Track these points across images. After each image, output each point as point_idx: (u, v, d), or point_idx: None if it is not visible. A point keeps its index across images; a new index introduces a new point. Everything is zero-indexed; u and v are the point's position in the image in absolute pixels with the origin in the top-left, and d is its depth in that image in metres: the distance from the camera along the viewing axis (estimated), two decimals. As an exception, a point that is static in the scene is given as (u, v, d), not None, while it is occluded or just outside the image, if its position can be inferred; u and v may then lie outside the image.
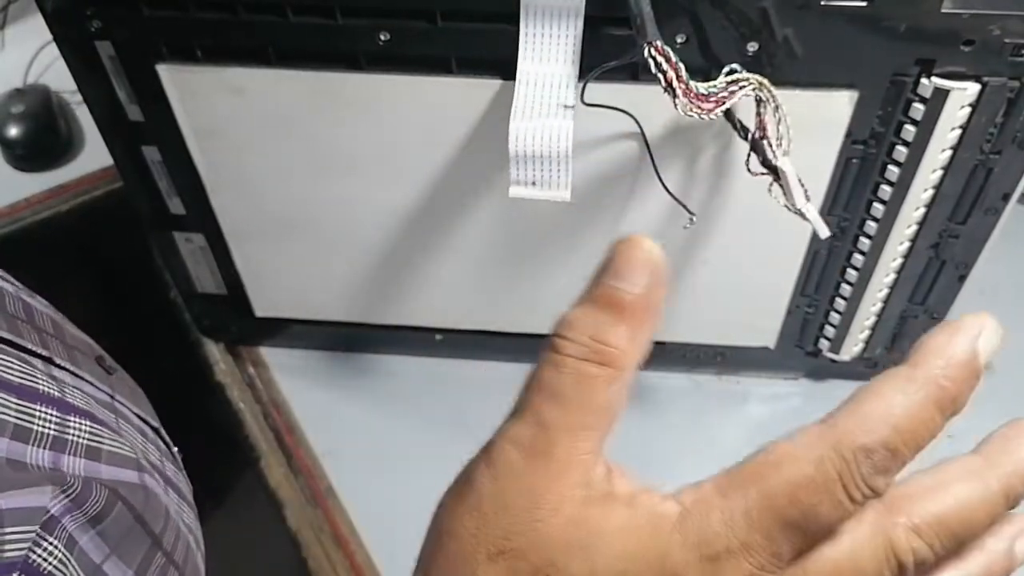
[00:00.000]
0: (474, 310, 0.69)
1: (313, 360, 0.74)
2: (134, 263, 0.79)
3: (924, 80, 0.48)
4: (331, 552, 0.65)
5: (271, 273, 0.67)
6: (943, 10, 0.45)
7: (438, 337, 0.72)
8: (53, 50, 0.53)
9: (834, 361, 0.68)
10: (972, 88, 0.48)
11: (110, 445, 0.38)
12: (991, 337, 0.26)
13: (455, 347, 0.72)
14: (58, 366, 0.39)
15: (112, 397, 0.43)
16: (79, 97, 0.56)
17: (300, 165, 0.58)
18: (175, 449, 0.48)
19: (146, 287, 0.75)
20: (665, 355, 0.71)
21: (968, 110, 0.49)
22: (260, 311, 0.70)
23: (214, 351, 0.75)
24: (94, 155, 0.90)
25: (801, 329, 0.67)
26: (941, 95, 0.48)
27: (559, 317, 0.27)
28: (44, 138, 0.88)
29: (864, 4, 0.46)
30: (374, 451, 0.70)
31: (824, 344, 0.67)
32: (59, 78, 0.92)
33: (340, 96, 0.53)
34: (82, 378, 0.40)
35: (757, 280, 0.62)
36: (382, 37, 0.50)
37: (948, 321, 0.26)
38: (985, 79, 0.48)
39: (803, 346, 0.68)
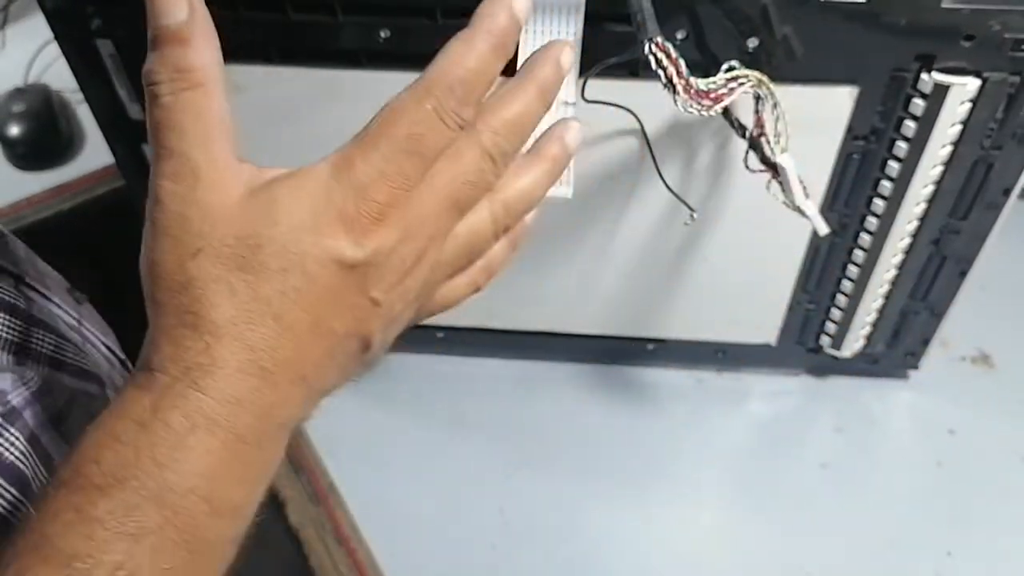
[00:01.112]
0: (474, 307, 0.68)
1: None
2: (137, 262, 0.79)
3: (924, 75, 0.48)
4: (333, 550, 0.65)
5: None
6: (943, 5, 0.45)
7: (439, 334, 0.72)
8: (54, 49, 0.53)
9: (835, 358, 0.68)
10: (972, 83, 0.48)
11: (73, 359, 0.39)
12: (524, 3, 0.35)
13: (456, 344, 0.72)
14: (27, 284, 0.39)
15: (80, 323, 0.43)
16: (80, 96, 0.56)
17: (299, 161, 0.57)
18: None
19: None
20: (666, 352, 0.71)
21: (968, 105, 0.49)
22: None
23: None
24: (95, 153, 0.90)
25: (802, 325, 0.67)
26: (941, 90, 0.48)
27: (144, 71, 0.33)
28: (45, 137, 0.88)
29: (863, 0, 0.46)
30: (375, 448, 0.70)
31: (825, 340, 0.67)
32: (60, 77, 0.92)
33: (341, 93, 0.53)
34: (51, 300, 0.41)
35: (757, 277, 0.62)
36: (383, 34, 0.50)
37: None
38: (985, 74, 0.48)
39: (804, 343, 0.68)
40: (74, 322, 0.44)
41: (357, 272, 0.32)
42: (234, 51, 0.51)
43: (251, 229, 0.32)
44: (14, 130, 0.87)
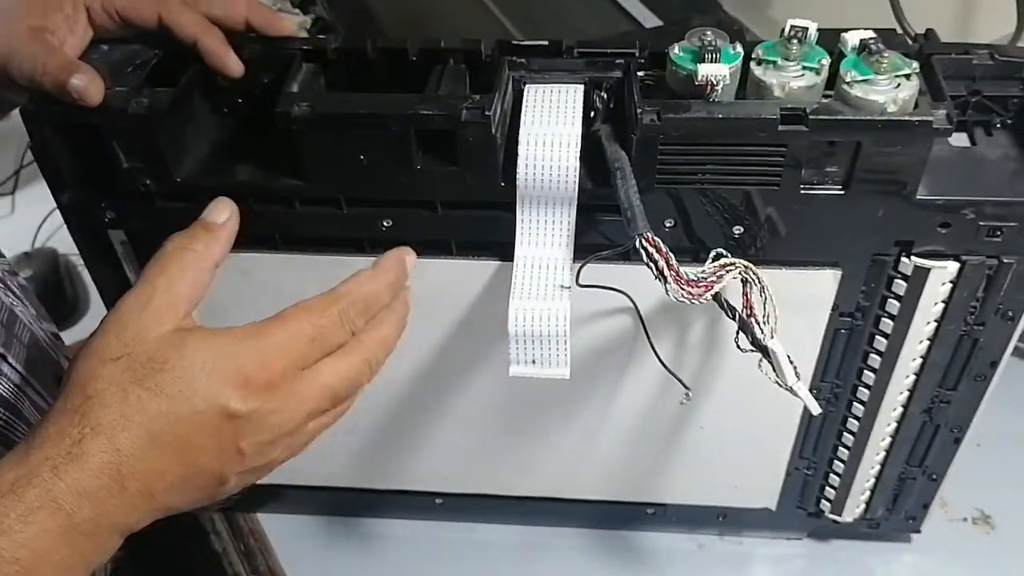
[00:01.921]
0: (474, 474, 0.69)
1: (312, 525, 0.74)
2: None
3: (904, 259, 0.51)
4: None
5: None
6: (918, 196, 0.48)
7: (438, 501, 0.71)
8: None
9: (836, 522, 0.68)
10: (951, 266, 0.50)
11: None
12: (414, 259, 0.50)
13: (456, 510, 0.72)
14: None
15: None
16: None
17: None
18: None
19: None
20: (666, 516, 0.70)
21: (949, 286, 0.51)
22: (260, 479, 0.70)
23: (211, 519, 0.74)
24: (99, 316, 0.91)
25: (802, 490, 0.67)
26: (922, 273, 0.50)
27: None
28: (51, 301, 0.90)
29: (841, 192, 0.48)
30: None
31: (825, 505, 0.67)
32: (67, 241, 0.94)
33: (343, 275, 0.54)
34: None
35: (754, 443, 0.63)
36: (385, 223, 0.52)
37: (397, 250, 0.49)
38: (964, 258, 0.50)
39: (805, 507, 0.68)
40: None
41: (234, 423, 0.39)
42: (242, 240, 0.53)
43: (162, 355, 0.39)
44: (21, 295, 0.89)
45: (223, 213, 0.46)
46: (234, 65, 0.50)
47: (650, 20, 0.98)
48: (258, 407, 0.39)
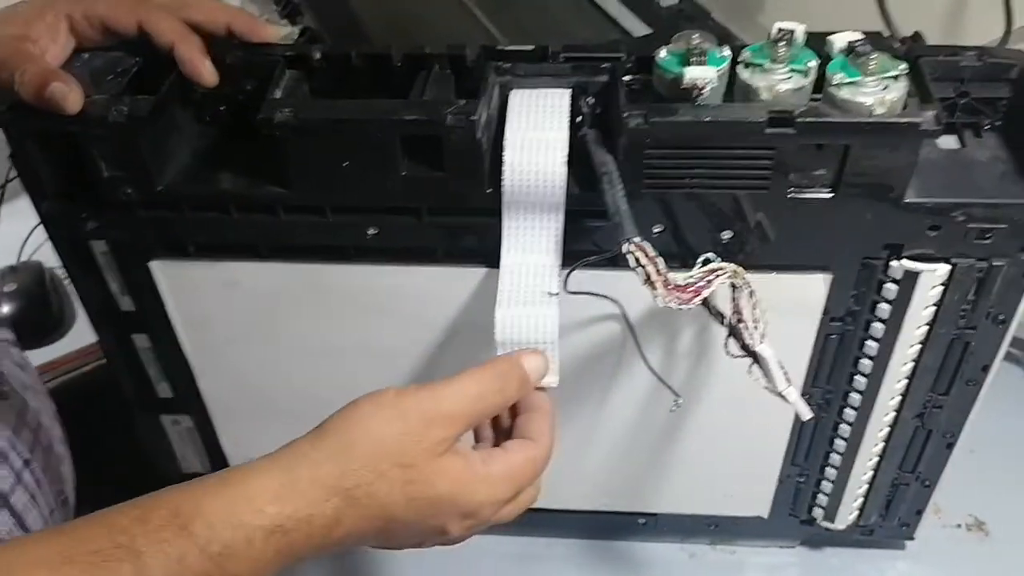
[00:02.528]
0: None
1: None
2: (122, 440, 0.78)
3: (894, 263, 0.50)
4: None
5: (258, 454, 0.66)
6: (906, 199, 0.47)
7: (427, 513, 0.70)
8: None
9: (829, 529, 0.67)
10: (942, 269, 0.50)
11: None
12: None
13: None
14: None
15: None
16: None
17: (289, 350, 0.58)
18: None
19: (134, 465, 0.75)
20: (658, 526, 0.70)
21: (940, 289, 0.51)
22: (247, 492, 0.69)
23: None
24: (85, 329, 0.90)
25: (794, 498, 0.66)
26: (912, 276, 0.50)
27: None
28: (36, 315, 0.89)
29: (829, 195, 0.48)
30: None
31: (818, 513, 0.67)
32: (53, 254, 0.94)
33: (329, 286, 0.54)
34: None
35: (746, 451, 0.62)
36: (370, 231, 0.51)
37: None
38: (954, 260, 0.49)
39: (797, 515, 0.68)
40: None
41: (441, 537, 0.44)
42: (226, 249, 0.53)
43: (429, 472, 0.42)
44: (5, 308, 0.88)
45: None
46: (208, 74, 0.50)
47: (639, 29, 0.98)
48: (465, 533, 0.44)
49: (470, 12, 1.03)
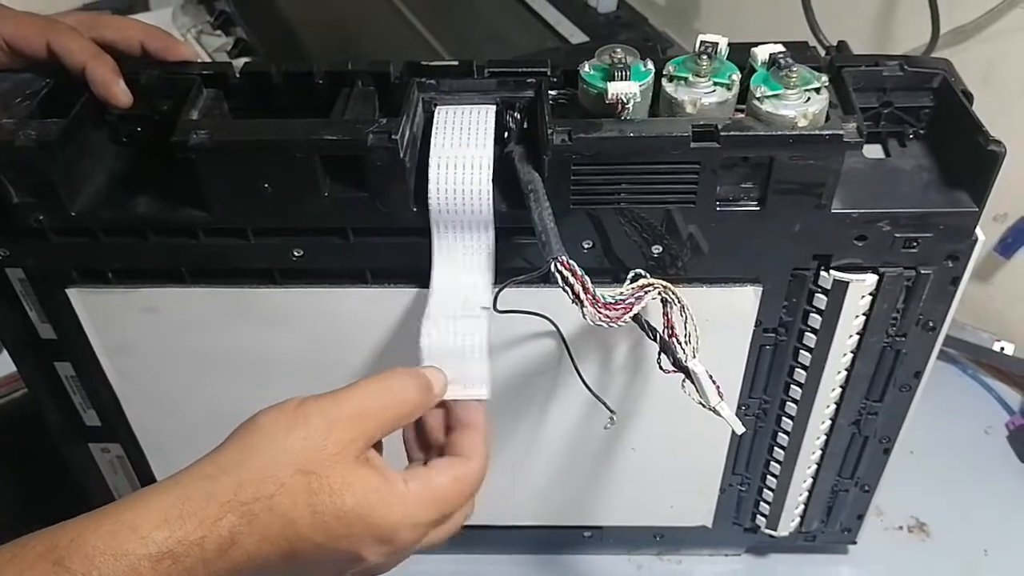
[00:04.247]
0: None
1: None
2: (52, 472, 0.76)
3: (823, 273, 0.50)
4: None
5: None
6: (832, 210, 0.47)
7: (370, 534, 0.69)
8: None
9: (773, 536, 0.68)
10: (870, 279, 0.50)
11: None
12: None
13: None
14: None
15: None
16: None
17: (216, 374, 0.57)
18: None
19: (65, 499, 0.72)
20: (603, 538, 0.69)
21: (869, 298, 0.51)
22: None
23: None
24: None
25: (736, 507, 0.66)
26: (841, 286, 0.50)
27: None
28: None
29: (757, 208, 0.47)
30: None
31: (761, 520, 0.67)
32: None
33: (255, 309, 0.53)
34: None
35: (686, 462, 0.62)
36: (295, 253, 0.50)
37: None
38: (881, 270, 0.50)
39: (741, 523, 0.68)
40: None
41: (359, 564, 0.40)
42: (144, 275, 0.51)
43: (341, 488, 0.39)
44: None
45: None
46: (120, 95, 0.48)
47: (577, 36, 0.98)
48: (383, 561, 0.40)
49: (408, 22, 1.02)
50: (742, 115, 0.46)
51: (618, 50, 0.47)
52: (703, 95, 0.46)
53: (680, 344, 0.48)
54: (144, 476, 0.64)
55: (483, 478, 0.44)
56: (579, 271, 0.44)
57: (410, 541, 0.40)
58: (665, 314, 0.48)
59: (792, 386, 0.57)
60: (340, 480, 0.38)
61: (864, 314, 0.52)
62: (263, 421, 0.39)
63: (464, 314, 0.48)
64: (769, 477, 0.63)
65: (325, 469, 0.38)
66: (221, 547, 0.36)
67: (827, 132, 0.44)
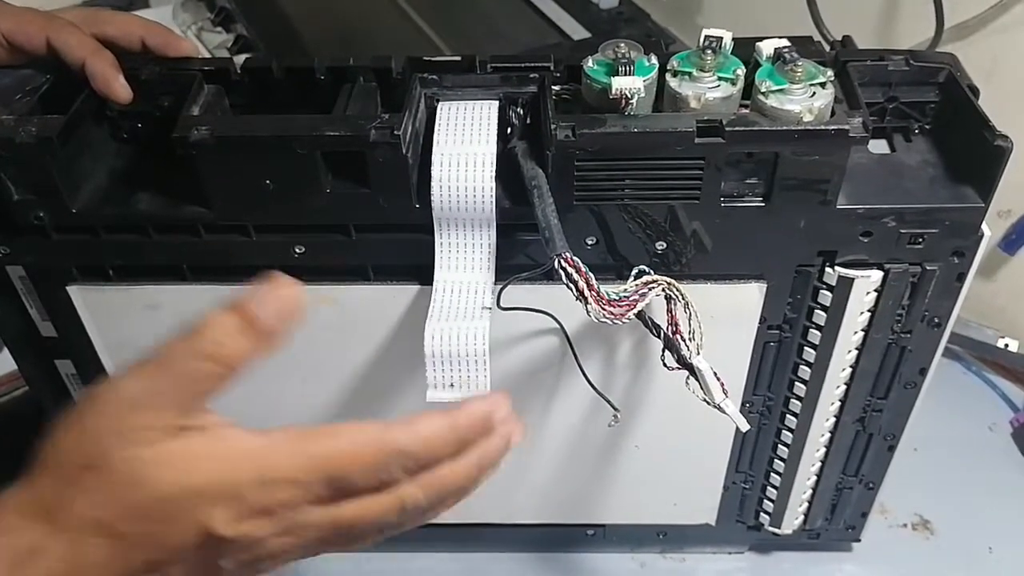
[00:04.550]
0: (408, 503, 0.67)
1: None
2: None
3: (828, 269, 0.50)
4: None
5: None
6: (838, 206, 0.47)
7: (372, 532, 0.69)
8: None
9: (776, 534, 0.67)
10: (875, 275, 0.49)
11: None
12: (505, 411, 0.38)
13: (390, 540, 0.69)
14: None
15: None
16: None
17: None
18: None
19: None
20: (606, 536, 0.69)
21: (874, 295, 0.51)
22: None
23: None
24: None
25: (740, 504, 0.66)
26: (846, 283, 0.50)
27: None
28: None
29: (761, 203, 0.47)
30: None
31: (765, 518, 0.66)
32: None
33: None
34: None
35: (690, 460, 0.62)
36: (297, 250, 0.50)
37: (490, 395, 0.39)
38: (887, 266, 0.49)
39: (744, 521, 0.67)
40: None
41: (218, 545, 0.33)
42: (145, 272, 0.51)
43: (153, 473, 0.33)
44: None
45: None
46: (120, 90, 0.48)
47: (579, 32, 0.97)
48: (247, 532, 0.33)
49: (410, 18, 1.02)
50: (747, 110, 0.46)
51: (622, 45, 0.46)
52: (707, 90, 0.46)
53: (684, 341, 0.48)
54: (146, 474, 0.64)
55: (415, 450, 0.35)
56: (583, 268, 0.44)
57: (273, 502, 0.33)
58: (669, 311, 0.48)
59: (796, 383, 0.56)
60: (138, 465, 0.33)
61: (869, 311, 0.51)
62: (60, 423, 0.34)
63: (466, 316, 0.48)
64: (773, 475, 0.63)
65: (114, 461, 0.33)
66: (22, 561, 0.32)
67: (832, 127, 0.44)
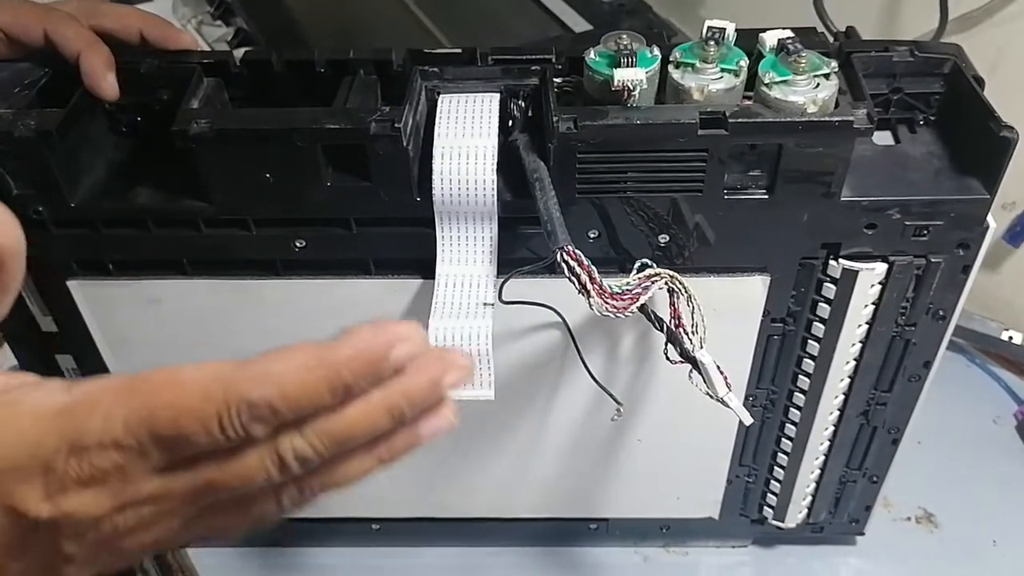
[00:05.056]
0: (410, 498, 0.67)
1: (243, 559, 0.71)
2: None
3: (832, 262, 0.49)
4: None
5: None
6: (842, 198, 0.47)
7: (374, 526, 0.69)
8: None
9: (780, 528, 0.67)
10: (880, 268, 0.49)
11: None
12: (409, 348, 0.29)
13: (393, 536, 0.70)
14: None
15: None
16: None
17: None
18: None
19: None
20: (609, 530, 0.69)
21: (878, 287, 0.50)
22: (185, 512, 0.67)
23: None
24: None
25: (744, 498, 0.66)
26: (850, 275, 0.49)
27: None
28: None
29: (765, 196, 0.47)
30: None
31: (768, 512, 0.66)
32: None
33: (258, 300, 0.52)
34: None
35: (693, 454, 0.61)
36: (298, 244, 0.49)
37: (381, 323, 0.29)
38: (891, 258, 0.49)
39: (748, 514, 0.67)
40: None
41: (44, 527, 0.28)
42: (145, 266, 0.51)
43: None
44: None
45: None
46: (108, 87, 0.47)
47: (580, 24, 0.97)
48: (72, 509, 0.28)
49: (410, 10, 1.01)
50: (750, 102, 0.45)
51: (624, 36, 0.46)
52: (710, 82, 0.45)
53: (687, 334, 0.47)
54: (147, 469, 0.64)
55: (269, 399, 0.28)
56: (585, 261, 0.43)
57: (94, 471, 0.28)
58: (672, 304, 0.47)
59: (800, 376, 0.56)
60: None
61: (873, 303, 0.51)
62: None
63: (469, 312, 0.48)
64: (776, 468, 0.63)
65: None
66: None
67: (837, 119, 0.44)
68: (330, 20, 1.02)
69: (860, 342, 0.53)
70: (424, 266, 0.50)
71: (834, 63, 0.44)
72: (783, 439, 0.60)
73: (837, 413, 0.58)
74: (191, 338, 0.54)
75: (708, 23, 0.46)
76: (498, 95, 0.48)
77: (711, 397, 0.48)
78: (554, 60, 0.49)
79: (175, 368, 0.28)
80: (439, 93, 0.49)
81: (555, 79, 0.48)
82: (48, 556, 0.29)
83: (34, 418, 0.28)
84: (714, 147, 0.45)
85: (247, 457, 0.28)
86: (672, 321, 0.47)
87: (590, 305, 0.44)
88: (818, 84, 0.44)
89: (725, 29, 0.46)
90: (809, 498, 0.65)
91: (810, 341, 0.54)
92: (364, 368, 0.28)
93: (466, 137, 0.46)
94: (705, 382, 0.47)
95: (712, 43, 0.45)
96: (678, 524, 0.68)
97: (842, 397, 0.57)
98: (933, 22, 0.74)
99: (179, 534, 0.30)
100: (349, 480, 0.31)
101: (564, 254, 0.43)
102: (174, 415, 0.27)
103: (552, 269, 0.50)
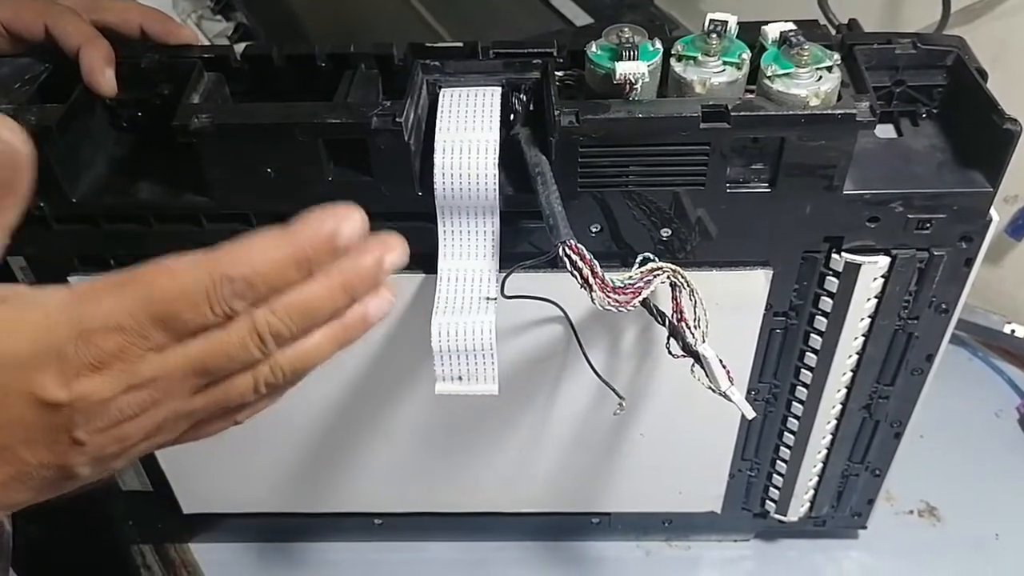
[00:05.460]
0: (412, 493, 0.67)
1: (247, 554, 0.71)
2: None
3: (835, 255, 0.49)
4: None
5: (198, 469, 0.64)
6: (845, 192, 0.47)
7: (377, 521, 0.69)
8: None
9: (782, 522, 0.67)
10: (882, 261, 0.49)
11: None
12: (352, 226, 0.33)
13: (396, 530, 0.70)
14: None
15: None
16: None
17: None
18: None
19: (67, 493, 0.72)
20: (611, 525, 0.69)
21: (881, 281, 0.50)
22: (188, 508, 0.67)
23: (142, 552, 0.71)
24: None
25: (746, 492, 0.66)
26: (853, 269, 0.49)
27: None
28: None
29: (767, 189, 0.47)
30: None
31: (771, 506, 0.66)
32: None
33: (260, 296, 0.52)
34: None
35: (695, 448, 0.61)
36: (299, 239, 0.49)
37: (332, 205, 0.34)
38: (894, 252, 0.49)
39: (750, 508, 0.67)
40: None
41: (59, 412, 0.31)
42: (148, 260, 0.50)
43: None
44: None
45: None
46: (105, 83, 0.47)
47: (581, 18, 0.97)
48: (84, 392, 0.31)
49: (410, 5, 1.01)
50: (752, 95, 0.45)
51: (626, 30, 0.46)
52: (712, 75, 0.45)
53: (689, 328, 0.47)
54: (150, 465, 0.64)
55: (245, 274, 0.31)
56: (587, 255, 0.43)
57: (102, 354, 0.30)
58: (674, 298, 0.47)
59: (803, 370, 0.56)
60: None
61: (876, 297, 0.51)
62: None
63: (472, 307, 0.48)
64: (779, 462, 0.63)
65: None
66: None
67: (839, 111, 0.43)
68: (330, 14, 1.02)
69: (862, 335, 0.53)
70: (426, 261, 0.49)
71: (836, 56, 0.44)
72: (785, 433, 0.60)
73: (839, 407, 0.58)
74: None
75: (710, 16, 0.46)
76: (500, 89, 0.48)
77: (713, 391, 0.48)
78: (555, 54, 0.49)
79: (162, 260, 0.32)
80: (440, 87, 0.48)
81: (557, 73, 0.48)
82: (62, 445, 0.32)
83: (44, 311, 0.31)
84: (716, 140, 0.44)
85: (230, 333, 0.32)
86: (674, 315, 0.47)
87: (592, 299, 0.44)
88: (820, 77, 0.44)
89: (727, 22, 0.46)
90: (811, 492, 0.65)
91: (812, 335, 0.54)
92: (322, 244, 0.33)
93: (468, 131, 0.46)
94: (707, 376, 0.47)
95: (714, 36, 0.45)
96: (680, 518, 0.68)
97: (844, 391, 0.57)
98: (935, 14, 0.74)
99: (175, 423, 0.34)
100: (312, 359, 0.35)
101: (566, 248, 0.43)
102: (170, 296, 0.31)
103: (554, 263, 0.50)
